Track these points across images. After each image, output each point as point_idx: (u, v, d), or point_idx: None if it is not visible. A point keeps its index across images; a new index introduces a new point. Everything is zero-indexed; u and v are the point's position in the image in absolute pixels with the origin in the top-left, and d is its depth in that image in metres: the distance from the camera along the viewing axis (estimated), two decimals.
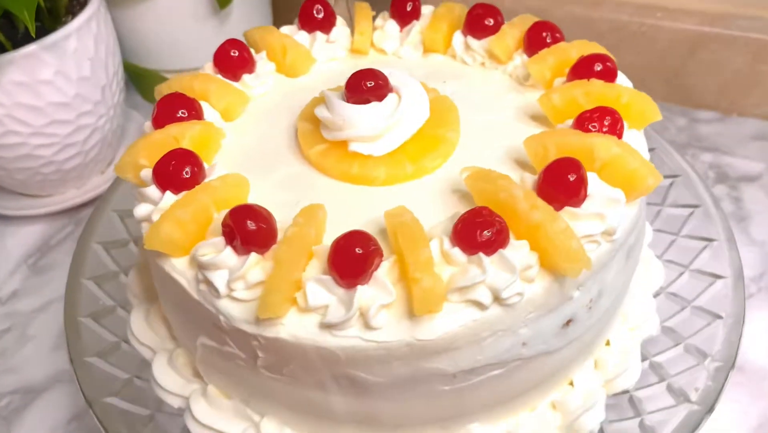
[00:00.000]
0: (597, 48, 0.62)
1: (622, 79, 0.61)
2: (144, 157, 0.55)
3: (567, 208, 0.48)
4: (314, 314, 0.46)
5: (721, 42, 0.95)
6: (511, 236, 0.47)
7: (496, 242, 0.45)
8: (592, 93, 0.56)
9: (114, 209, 0.74)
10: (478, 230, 0.45)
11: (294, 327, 0.46)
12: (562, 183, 0.48)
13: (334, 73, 0.69)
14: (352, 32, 0.72)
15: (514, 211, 0.47)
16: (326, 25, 0.71)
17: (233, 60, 0.65)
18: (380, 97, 0.56)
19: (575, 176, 0.48)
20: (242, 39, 0.68)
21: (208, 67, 0.67)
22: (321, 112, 0.57)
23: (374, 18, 0.73)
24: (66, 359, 0.62)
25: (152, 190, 0.53)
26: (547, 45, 0.63)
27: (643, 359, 0.60)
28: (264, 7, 1.12)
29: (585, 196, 0.49)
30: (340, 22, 0.72)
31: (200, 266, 0.48)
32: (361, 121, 0.54)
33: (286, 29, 0.71)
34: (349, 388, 0.48)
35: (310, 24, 0.71)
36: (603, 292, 0.52)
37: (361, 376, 0.47)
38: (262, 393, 0.53)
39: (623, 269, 0.55)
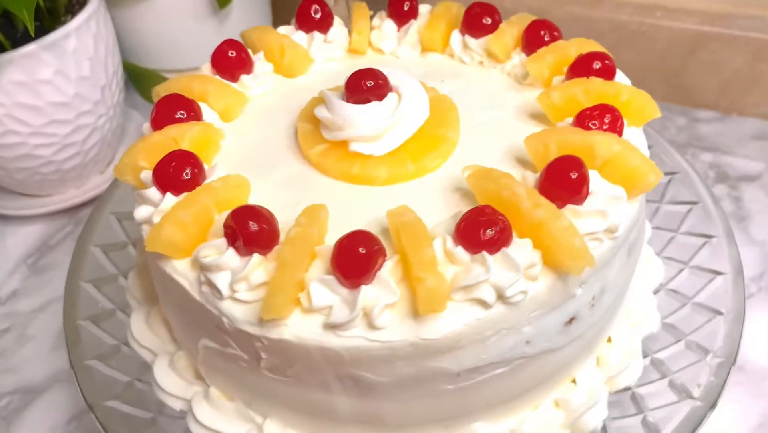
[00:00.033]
0: (595, 46, 0.62)
1: (620, 77, 0.61)
2: (143, 159, 0.55)
3: (569, 206, 0.48)
4: (318, 315, 0.46)
5: (721, 41, 0.95)
6: (514, 234, 0.47)
7: (499, 241, 0.45)
8: (591, 91, 0.56)
9: (112, 212, 0.74)
10: (482, 229, 0.45)
11: (298, 328, 0.46)
12: (564, 181, 0.48)
13: (332, 73, 0.69)
14: (350, 32, 0.72)
15: (517, 210, 0.47)
16: (323, 25, 0.71)
17: (231, 61, 0.65)
18: (380, 97, 0.55)
19: (577, 174, 0.48)
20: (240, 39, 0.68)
21: (206, 68, 0.66)
22: (321, 112, 0.57)
23: (371, 17, 0.73)
24: (65, 359, 0.62)
25: (152, 192, 0.52)
26: (546, 43, 0.64)
27: (644, 355, 0.60)
28: (264, 6, 1.12)
29: (587, 194, 0.49)
30: (337, 22, 0.72)
31: (202, 268, 0.48)
32: (361, 121, 0.54)
33: (283, 29, 0.71)
34: (352, 388, 0.48)
35: (307, 24, 0.71)
36: (605, 289, 0.52)
37: (365, 376, 0.47)
38: (265, 394, 0.53)
39: (625, 266, 0.55)
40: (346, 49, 0.72)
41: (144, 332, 0.62)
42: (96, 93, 0.86)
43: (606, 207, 0.48)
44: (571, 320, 0.50)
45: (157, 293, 0.61)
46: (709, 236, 0.68)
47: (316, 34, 0.70)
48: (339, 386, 0.48)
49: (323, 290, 0.45)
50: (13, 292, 0.84)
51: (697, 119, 1.01)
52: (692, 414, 0.54)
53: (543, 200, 0.47)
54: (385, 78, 0.56)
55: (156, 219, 0.51)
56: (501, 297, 0.45)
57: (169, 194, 0.52)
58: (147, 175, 0.54)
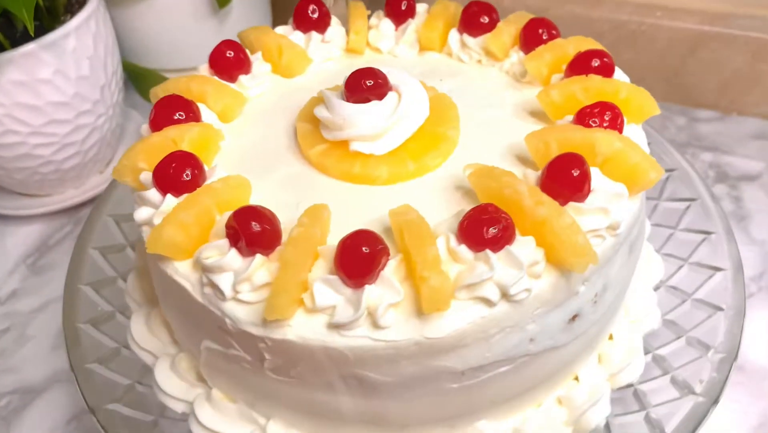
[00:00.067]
0: (593, 44, 0.62)
1: (619, 74, 0.61)
2: (143, 161, 0.55)
3: (571, 204, 0.48)
4: (322, 315, 0.45)
5: (720, 41, 0.95)
6: (517, 232, 0.47)
7: (502, 239, 0.45)
8: (590, 88, 0.56)
9: (110, 214, 0.73)
10: (485, 227, 0.45)
11: (302, 328, 0.45)
12: (566, 178, 0.48)
13: (330, 73, 0.69)
14: (348, 32, 0.71)
15: (520, 208, 0.47)
16: (321, 25, 0.71)
17: (229, 61, 0.65)
18: (380, 96, 0.55)
19: (579, 171, 0.48)
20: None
21: (204, 69, 0.66)
22: (320, 112, 0.56)
23: (369, 17, 0.73)
24: (65, 359, 0.61)
25: (152, 194, 0.52)
26: (544, 42, 0.64)
27: (646, 352, 0.60)
28: (263, 6, 1.12)
29: (589, 191, 0.49)
30: (335, 21, 0.72)
31: (204, 269, 0.48)
32: (361, 121, 0.54)
33: (281, 29, 0.71)
34: (357, 388, 0.48)
35: (305, 24, 0.70)
36: (607, 286, 0.52)
37: (370, 376, 0.47)
38: (269, 396, 0.53)
39: (626, 263, 0.55)
40: (343, 48, 0.72)
41: (144, 334, 0.62)
42: (95, 93, 0.86)
43: (608, 204, 0.49)
44: (574, 318, 0.50)
45: (158, 295, 0.61)
46: (708, 233, 0.68)
47: (314, 34, 0.70)
48: (343, 386, 0.48)
49: (327, 290, 0.45)
50: (13, 292, 0.84)
51: (697, 119, 1.01)
52: (695, 410, 0.54)
53: (545, 198, 0.47)
54: (384, 77, 0.56)
55: (156, 221, 0.50)
56: (505, 295, 0.45)
57: (169, 196, 0.51)
58: (147, 176, 0.53)
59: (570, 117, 0.56)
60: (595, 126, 0.53)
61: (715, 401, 0.54)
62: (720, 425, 0.64)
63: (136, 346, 0.62)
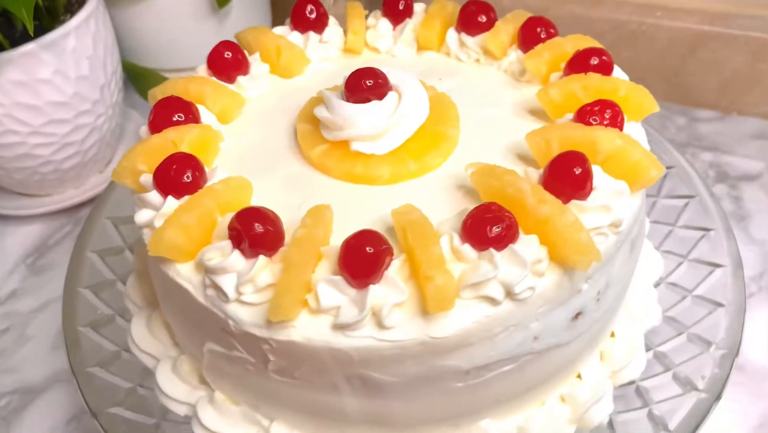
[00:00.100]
0: (591, 42, 0.62)
1: (617, 72, 0.61)
2: (142, 163, 0.55)
3: (574, 202, 0.48)
4: (326, 316, 0.45)
5: (720, 41, 0.95)
6: (520, 230, 0.47)
7: (506, 237, 0.45)
8: (590, 87, 0.56)
9: (108, 216, 0.73)
10: (488, 226, 0.45)
11: (306, 329, 0.45)
12: (568, 176, 0.48)
13: (328, 73, 0.69)
14: (345, 32, 0.71)
15: (523, 206, 0.47)
16: (319, 25, 0.70)
17: (227, 62, 0.65)
18: (381, 96, 0.55)
19: (581, 169, 0.48)
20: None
21: (202, 70, 0.66)
22: (321, 112, 0.56)
23: (366, 17, 0.73)
24: (65, 359, 0.61)
25: (153, 196, 0.52)
26: (542, 40, 0.64)
27: (647, 349, 0.60)
28: (263, 6, 1.12)
29: (591, 189, 0.49)
30: (332, 21, 0.72)
31: (207, 271, 0.47)
32: (362, 121, 0.54)
33: (278, 30, 0.71)
34: (361, 389, 0.48)
35: (302, 24, 0.70)
36: (610, 284, 0.52)
37: (375, 376, 0.46)
38: (272, 397, 0.52)
39: (628, 260, 0.55)
40: (341, 48, 0.71)
41: (145, 337, 0.61)
42: (95, 92, 0.85)
43: (610, 202, 0.49)
44: (577, 315, 0.50)
45: (158, 298, 0.61)
46: (707, 229, 0.68)
47: (312, 34, 0.70)
48: (347, 386, 0.48)
49: (331, 291, 0.45)
50: (13, 292, 0.84)
51: (697, 119, 1.01)
52: (698, 406, 0.54)
53: (548, 196, 0.47)
54: (385, 77, 0.56)
55: (157, 223, 0.50)
56: (509, 294, 0.45)
57: (170, 198, 0.51)
58: (147, 178, 0.53)
59: (570, 115, 0.56)
60: (596, 124, 0.53)
61: (718, 397, 0.55)
62: (720, 425, 0.64)
63: (136, 349, 0.61)
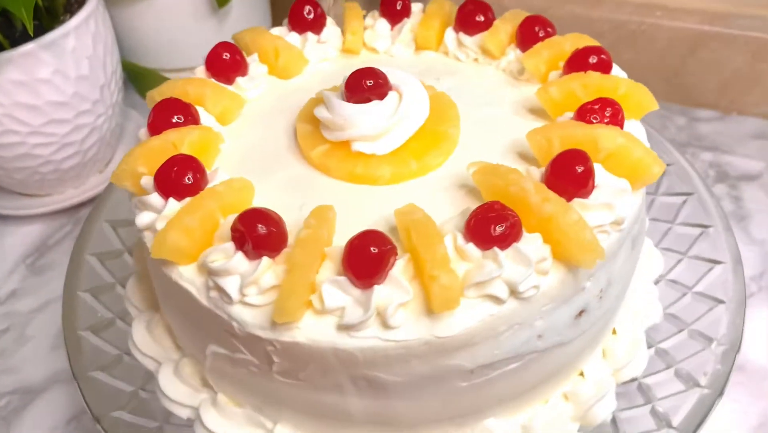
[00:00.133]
0: (590, 41, 0.62)
1: (616, 70, 0.62)
2: (142, 165, 0.54)
3: (576, 200, 0.48)
4: (331, 316, 0.45)
5: (720, 41, 0.95)
6: (523, 229, 0.47)
7: (510, 236, 0.45)
8: (589, 85, 0.57)
9: (107, 219, 0.73)
10: (492, 225, 0.45)
11: (311, 330, 0.45)
12: (570, 175, 0.48)
13: (326, 73, 0.68)
14: (343, 32, 0.71)
15: (526, 205, 0.47)
16: (316, 25, 0.70)
17: (226, 63, 0.64)
18: (381, 96, 0.55)
19: (583, 168, 0.48)
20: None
21: (200, 71, 0.66)
22: (321, 112, 0.56)
23: (364, 17, 0.72)
24: (65, 359, 0.61)
25: (154, 198, 0.52)
26: (540, 39, 0.64)
27: (649, 346, 0.60)
28: (263, 6, 1.12)
29: (593, 187, 0.49)
30: (330, 22, 0.72)
31: (210, 273, 0.47)
32: (363, 121, 0.54)
33: (276, 31, 0.70)
34: (366, 389, 0.48)
35: (300, 25, 0.70)
36: (612, 281, 0.53)
37: (380, 376, 0.46)
38: (276, 399, 0.52)
39: (629, 258, 0.55)
40: (339, 49, 0.71)
41: (146, 340, 0.61)
42: (95, 92, 0.85)
43: (612, 199, 0.49)
44: (580, 313, 0.51)
45: (159, 300, 0.60)
46: (706, 226, 0.68)
47: (310, 35, 0.70)
48: (352, 387, 0.48)
49: (335, 291, 0.45)
50: (12, 292, 0.84)
51: (697, 119, 1.01)
52: (701, 402, 0.55)
53: (552, 194, 0.47)
54: (385, 77, 0.56)
55: (159, 225, 0.50)
56: (514, 292, 0.45)
57: (171, 200, 0.51)
58: (147, 181, 0.53)
59: (570, 114, 0.56)
60: (596, 122, 0.53)
61: (721, 393, 0.55)
62: (720, 425, 0.64)
63: (138, 352, 0.61)
